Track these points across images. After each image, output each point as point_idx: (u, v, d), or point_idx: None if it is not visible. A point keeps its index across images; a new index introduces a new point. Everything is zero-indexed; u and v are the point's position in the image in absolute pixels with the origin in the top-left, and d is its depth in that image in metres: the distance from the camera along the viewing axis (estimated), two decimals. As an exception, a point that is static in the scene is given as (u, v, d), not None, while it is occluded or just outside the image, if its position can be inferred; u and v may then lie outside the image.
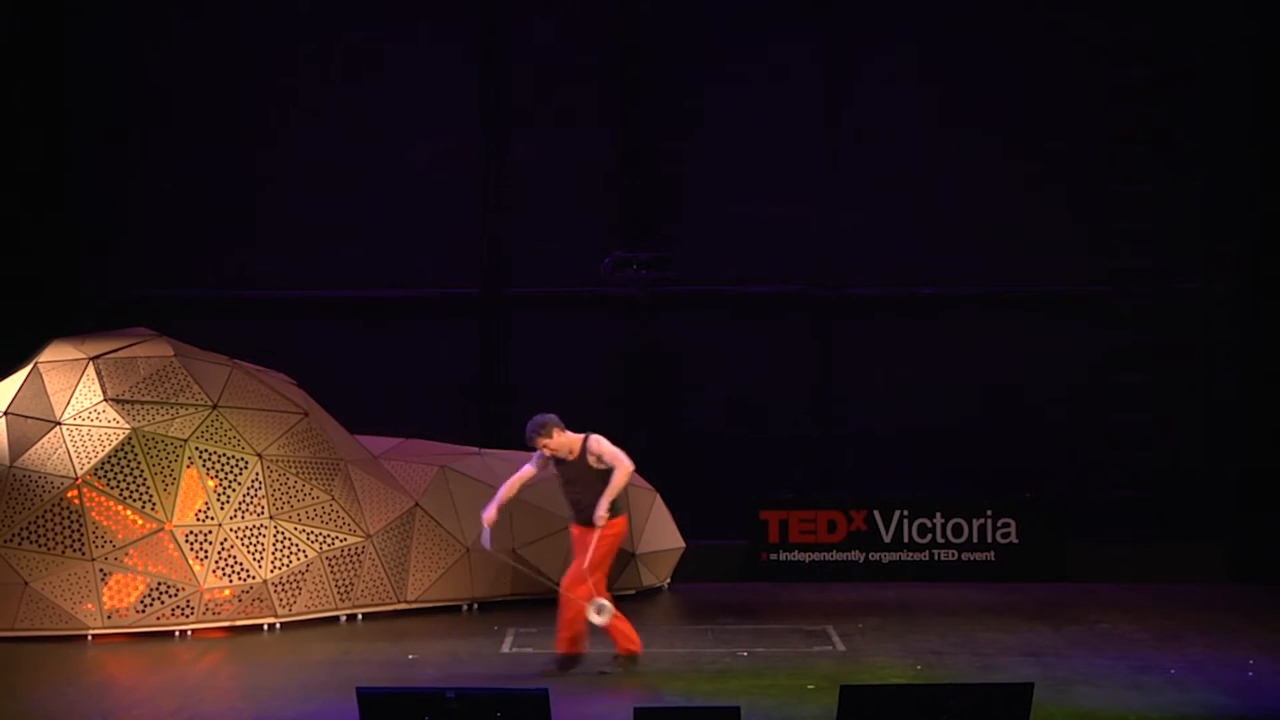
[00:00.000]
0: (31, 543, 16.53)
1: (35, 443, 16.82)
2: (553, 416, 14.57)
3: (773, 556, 20.07)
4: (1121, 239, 20.84)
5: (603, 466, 14.46)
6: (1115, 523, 20.57)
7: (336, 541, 17.34)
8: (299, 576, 17.11)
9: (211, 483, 16.93)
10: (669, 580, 19.33)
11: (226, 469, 17.00)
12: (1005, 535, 19.86)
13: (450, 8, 21.15)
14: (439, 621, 17.41)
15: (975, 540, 19.88)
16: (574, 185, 21.02)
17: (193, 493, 16.87)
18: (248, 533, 16.93)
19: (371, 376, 20.67)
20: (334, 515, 17.37)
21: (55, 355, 17.33)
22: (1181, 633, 16.42)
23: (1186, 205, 20.85)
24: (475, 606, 18.07)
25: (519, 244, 21.07)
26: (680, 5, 21.10)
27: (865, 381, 20.98)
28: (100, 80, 20.81)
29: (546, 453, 14.53)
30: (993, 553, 19.87)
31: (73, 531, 16.54)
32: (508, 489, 14.80)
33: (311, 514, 17.26)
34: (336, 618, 17.35)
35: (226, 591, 16.82)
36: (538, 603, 18.24)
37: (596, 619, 14.39)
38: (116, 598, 16.55)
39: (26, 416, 16.98)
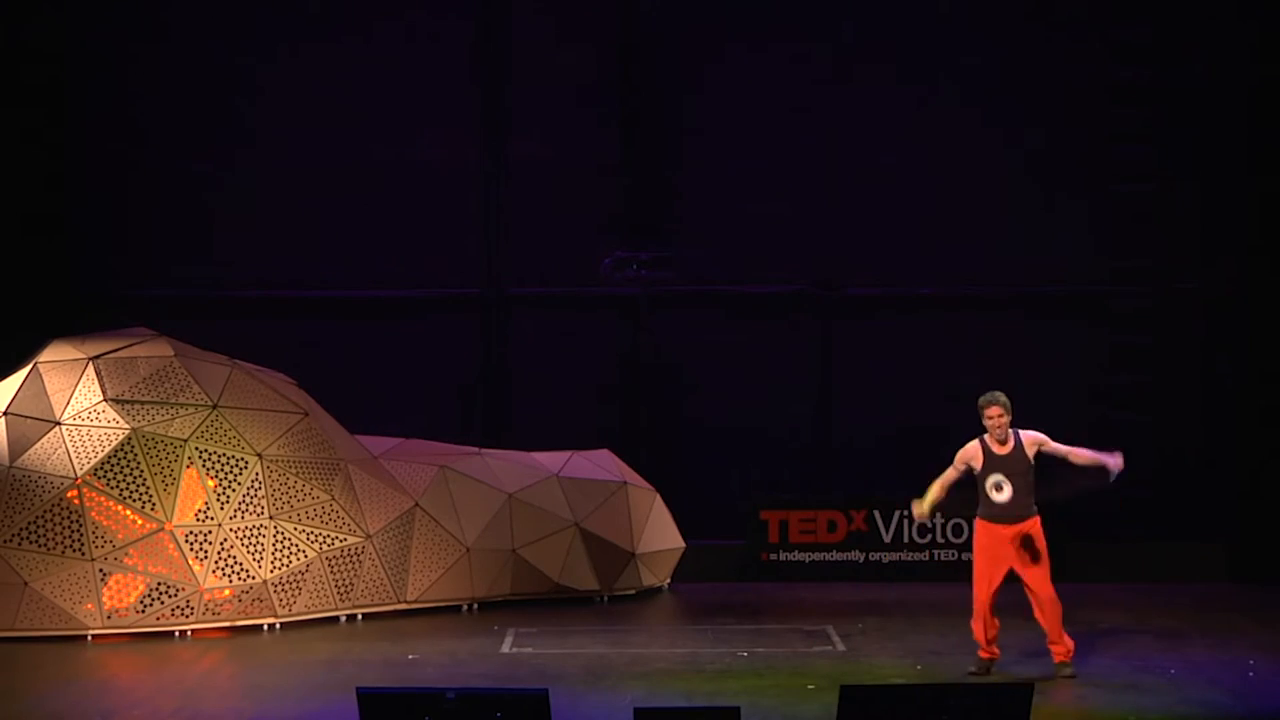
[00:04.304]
0: (31, 543, 16.53)
1: (35, 443, 16.82)
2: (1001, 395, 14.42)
3: (773, 556, 20.08)
4: (1121, 239, 20.83)
5: (1034, 455, 14.37)
6: (1115, 523, 20.56)
7: (336, 541, 17.34)
8: (299, 576, 17.11)
9: (211, 483, 16.93)
10: (669, 580, 19.33)
11: (226, 469, 17.00)
12: (1005, 535, 19.84)
13: (450, 6, 21.15)
14: (439, 621, 17.41)
15: (975, 540, 19.86)
16: (574, 185, 21.01)
17: (193, 493, 16.88)
18: (248, 533, 16.94)
19: (371, 376, 20.66)
20: (334, 515, 17.37)
21: (55, 355, 17.33)
22: (1181, 633, 16.44)
23: (1186, 205, 20.84)
24: (475, 606, 18.07)
25: (519, 244, 21.07)
26: (680, 5, 21.10)
27: (865, 381, 20.97)
28: (99, 79, 20.80)
29: (990, 425, 14.29)
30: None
31: (73, 531, 16.54)
32: (938, 488, 14.53)
33: (311, 514, 17.26)
34: (336, 618, 17.35)
35: (226, 591, 16.83)
36: (538, 603, 18.28)
37: (996, 495, 14.29)
38: (116, 598, 16.55)
39: (26, 416, 16.98)
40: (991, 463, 14.38)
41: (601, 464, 19.25)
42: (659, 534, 19.18)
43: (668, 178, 21.06)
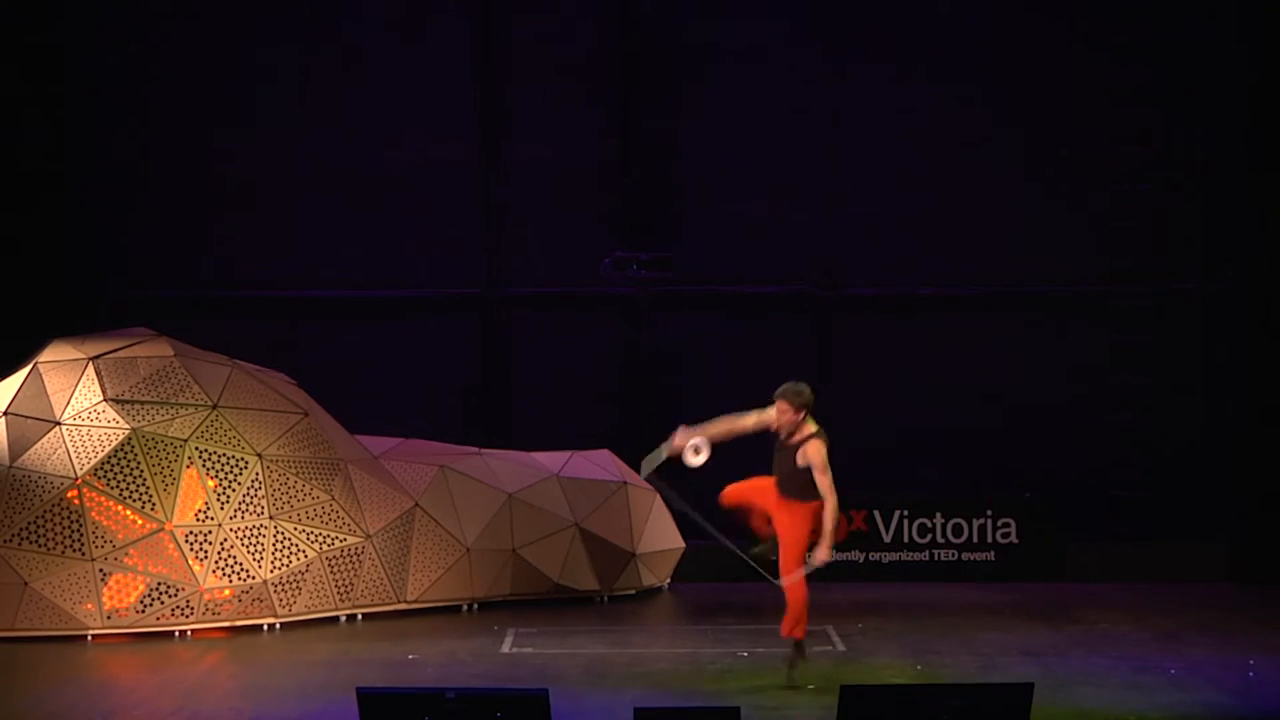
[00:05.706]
0: (31, 543, 16.53)
1: (35, 443, 16.82)
2: (802, 388, 13.84)
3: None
4: (1121, 239, 20.83)
5: (805, 467, 13.86)
6: (1115, 523, 20.56)
7: (336, 541, 17.34)
8: (299, 576, 17.11)
9: (211, 483, 16.93)
10: (669, 580, 19.32)
11: (226, 469, 17.00)
12: (1005, 535, 19.87)
13: (450, 6, 21.15)
14: (439, 621, 17.41)
15: (975, 540, 19.88)
16: (574, 185, 21.01)
17: (193, 493, 16.87)
18: (248, 533, 16.93)
19: (371, 376, 20.66)
20: (334, 515, 17.36)
21: (55, 355, 17.33)
22: (1181, 633, 16.43)
23: (1186, 205, 20.84)
24: (475, 606, 18.07)
25: (519, 244, 21.07)
26: (680, 4, 21.10)
27: (865, 381, 20.96)
28: (99, 79, 20.80)
29: (775, 414, 13.85)
30: (993, 553, 19.88)
31: (73, 531, 16.54)
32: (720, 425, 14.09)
33: (311, 514, 17.26)
34: (336, 618, 17.35)
35: (226, 591, 16.83)
36: (537, 603, 18.27)
37: (693, 459, 13.98)
38: (116, 598, 16.54)
39: (26, 416, 16.98)
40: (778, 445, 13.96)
41: (601, 464, 19.25)
42: (659, 534, 19.18)
43: (667, 177, 21.06)
